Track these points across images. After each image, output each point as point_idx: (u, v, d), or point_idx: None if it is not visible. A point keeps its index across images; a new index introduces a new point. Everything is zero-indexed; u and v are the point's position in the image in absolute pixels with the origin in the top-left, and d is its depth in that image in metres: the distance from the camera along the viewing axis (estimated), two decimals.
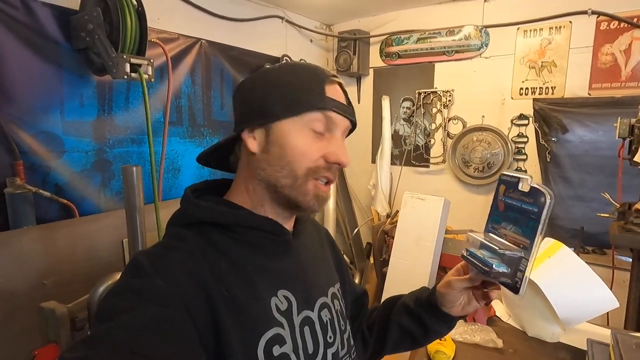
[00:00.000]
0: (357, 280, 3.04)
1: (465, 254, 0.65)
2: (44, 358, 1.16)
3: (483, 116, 2.62)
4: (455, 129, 2.76)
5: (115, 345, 0.45)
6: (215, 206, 0.60)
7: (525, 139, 2.50)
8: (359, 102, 3.17)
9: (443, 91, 2.75)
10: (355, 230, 3.08)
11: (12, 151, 1.51)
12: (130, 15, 1.59)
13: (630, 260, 1.77)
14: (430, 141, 2.87)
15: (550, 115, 2.34)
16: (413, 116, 2.90)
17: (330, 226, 2.78)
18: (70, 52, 1.66)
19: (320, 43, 3.19)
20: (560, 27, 2.31)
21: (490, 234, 0.67)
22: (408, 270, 2.17)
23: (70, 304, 1.25)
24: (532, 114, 2.42)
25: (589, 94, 2.26)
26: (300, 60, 2.86)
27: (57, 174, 1.67)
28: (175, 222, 0.62)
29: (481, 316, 1.37)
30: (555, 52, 2.34)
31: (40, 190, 1.57)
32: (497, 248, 0.62)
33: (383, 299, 0.88)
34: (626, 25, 2.12)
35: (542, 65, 2.38)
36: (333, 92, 0.61)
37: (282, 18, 2.76)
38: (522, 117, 2.49)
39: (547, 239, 1.37)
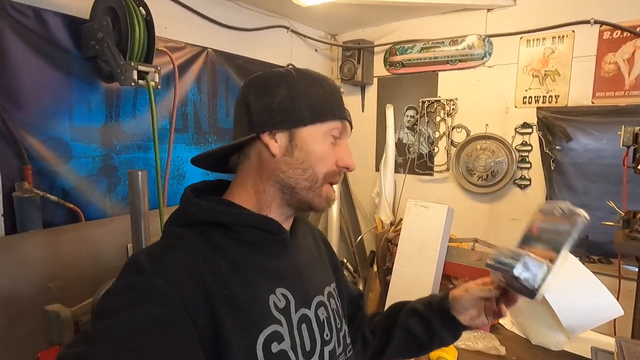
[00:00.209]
0: (360, 289, 3.03)
1: (489, 262, 0.68)
2: None
3: (487, 125, 2.62)
4: (459, 137, 2.76)
5: (115, 343, 0.45)
6: (216, 206, 0.61)
7: (529, 147, 2.50)
8: (363, 111, 3.19)
9: (447, 100, 2.77)
10: (359, 238, 3.08)
11: (21, 156, 1.54)
12: (139, 24, 1.62)
13: (637, 269, 1.75)
14: (434, 149, 2.88)
15: (554, 124, 2.34)
16: (417, 124, 2.91)
17: (334, 234, 2.77)
18: (79, 59, 1.69)
19: (324, 52, 3.23)
20: (563, 36, 2.33)
21: (518, 249, 0.69)
22: (411, 279, 2.16)
23: (74, 308, 1.27)
24: (535, 123, 2.42)
25: (592, 102, 2.26)
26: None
27: (64, 179, 1.69)
28: (175, 221, 0.63)
29: None
30: (559, 61, 2.35)
31: (48, 195, 1.59)
32: (523, 255, 0.64)
33: (386, 308, 0.89)
34: (629, 34, 2.13)
35: (545, 74, 2.39)
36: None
37: (287, 28, 2.80)
38: (525, 125, 2.49)
39: None
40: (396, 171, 3.02)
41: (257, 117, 0.63)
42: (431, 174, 2.90)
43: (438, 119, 2.83)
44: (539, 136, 2.41)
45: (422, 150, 2.93)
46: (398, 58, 2.96)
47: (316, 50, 3.13)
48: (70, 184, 1.71)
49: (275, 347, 0.57)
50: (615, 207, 1.84)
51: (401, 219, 2.38)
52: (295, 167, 0.63)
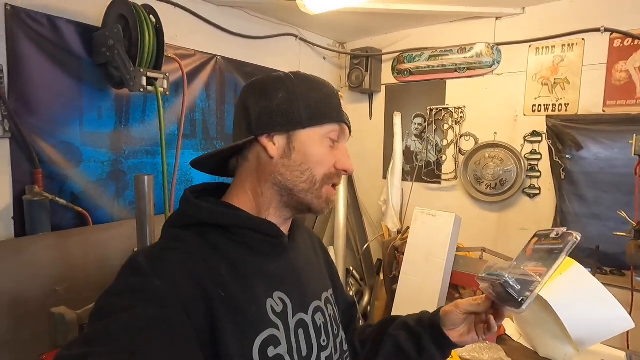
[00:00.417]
0: (366, 297, 3.00)
1: (480, 275, 0.71)
2: None
3: (495, 133, 2.60)
4: (467, 145, 2.74)
5: (114, 344, 0.45)
6: (216, 207, 0.62)
7: (539, 156, 2.47)
8: (370, 119, 3.19)
9: (455, 108, 2.75)
10: (366, 246, 3.06)
11: (33, 160, 1.57)
12: (149, 32, 1.66)
13: None
14: (441, 157, 2.86)
15: (563, 132, 2.31)
16: (424, 132, 2.90)
17: (341, 241, 2.76)
18: (91, 66, 1.73)
19: (333, 60, 3.25)
20: (572, 44, 2.31)
21: (509, 263, 0.72)
22: (418, 287, 2.13)
23: (80, 310, 1.28)
24: (545, 131, 2.40)
25: (603, 110, 2.23)
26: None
27: (74, 183, 1.72)
28: (175, 223, 0.63)
29: None
30: (568, 69, 2.32)
31: (57, 198, 1.62)
32: (514, 268, 0.68)
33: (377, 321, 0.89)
34: None
35: (555, 82, 2.37)
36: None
37: (296, 36, 2.83)
38: (535, 133, 2.46)
39: None
40: (403, 179, 3.01)
41: (256, 120, 0.64)
42: (439, 182, 2.88)
43: (446, 126, 2.82)
44: (548, 145, 2.38)
45: (429, 158, 2.91)
46: (406, 66, 2.96)
47: (324, 58, 3.16)
48: (79, 188, 1.74)
49: (271, 351, 0.56)
50: (627, 217, 1.80)
51: (408, 227, 2.36)
52: (293, 169, 0.63)
